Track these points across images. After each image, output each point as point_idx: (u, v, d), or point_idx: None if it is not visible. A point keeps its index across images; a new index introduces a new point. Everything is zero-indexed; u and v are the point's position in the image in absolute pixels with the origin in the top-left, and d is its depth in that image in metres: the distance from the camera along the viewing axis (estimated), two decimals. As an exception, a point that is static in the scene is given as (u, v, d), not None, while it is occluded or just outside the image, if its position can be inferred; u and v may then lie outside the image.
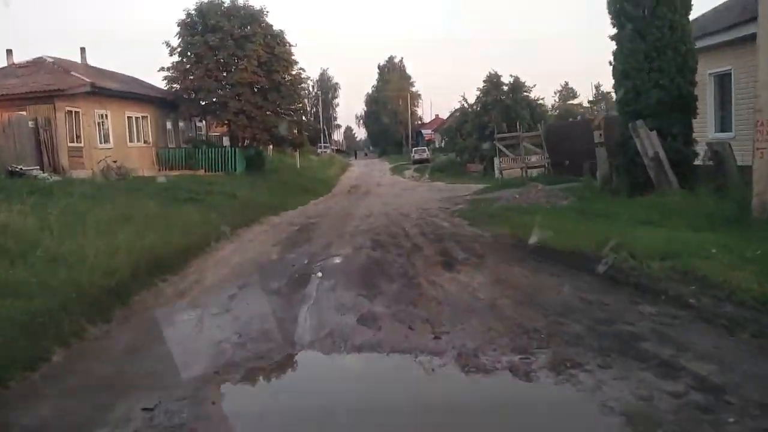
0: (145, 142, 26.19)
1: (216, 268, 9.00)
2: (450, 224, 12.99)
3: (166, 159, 26.85)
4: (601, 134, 16.52)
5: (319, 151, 61.78)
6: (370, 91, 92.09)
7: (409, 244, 10.64)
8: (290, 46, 26.87)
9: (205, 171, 26.78)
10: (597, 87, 70.96)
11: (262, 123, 26.32)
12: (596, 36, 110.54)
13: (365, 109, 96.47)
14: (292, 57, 26.76)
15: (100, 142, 22.77)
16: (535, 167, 23.44)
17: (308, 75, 25.15)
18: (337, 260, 9.41)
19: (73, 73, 22.33)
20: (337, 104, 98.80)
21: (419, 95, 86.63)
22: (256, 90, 26.75)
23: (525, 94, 38.70)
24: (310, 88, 28.65)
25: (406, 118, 79.88)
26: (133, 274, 7.22)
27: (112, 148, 23.25)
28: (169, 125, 28.94)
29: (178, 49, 26.25)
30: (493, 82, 39.13)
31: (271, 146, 37.15)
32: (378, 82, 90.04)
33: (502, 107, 38.08)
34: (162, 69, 26.63)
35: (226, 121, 27.31)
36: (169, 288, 7.65)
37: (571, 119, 44.33)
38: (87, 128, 21.91)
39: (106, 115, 23.14)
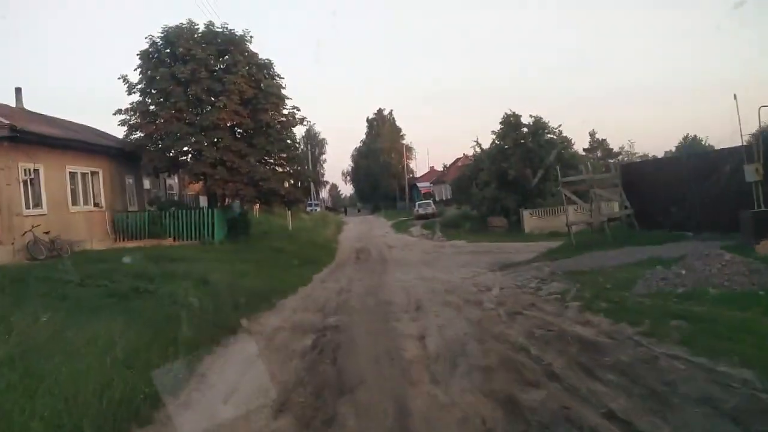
0: (95, 205, 20.26)
1: None
2: (612, 342, 6.81)
3: (124, 227, 20.93)
4: (758, 169, 11.05)
5: (309, 209, 56.22)
6: (358, 145, 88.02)
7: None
8: (280, 79, 21.60)
9: (175, 240, 20.93)
10: (592, 134, 67.22)
11: (247, 175, 20.65)
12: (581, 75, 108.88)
13: (352, 165, 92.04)
14: (283, 91, 21.45)
15: (27, 207, 16.79)
16: (613, 219, 17.83)
17: (303, 115, 18.75)
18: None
19: (-12, 114, 16.65)
20: (325, 161, 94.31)
21: (412, 147, 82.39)
22: (238, 134, 21.27)
23: (549, 135, 33.80)
24: (299, 141, 24.31)
25: (399, 171, 75.18)
26: None
27: (46, 214, 17.28)
28: (130, 183, 23.12)
29: (139, 86, 20.79)
30: (511, 123, 34.28)
31: (257, 205, 31.55)
32: (367, 135, 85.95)
33: (523, 151, 33.09)
34: (119, 111, 21.07)
35: (200, 175, 21.57)
36: None
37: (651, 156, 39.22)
38: (6, 188, 16.01)
39: (37, 170, 17.26)
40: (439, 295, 11.28)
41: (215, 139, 20.63)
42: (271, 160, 21.78)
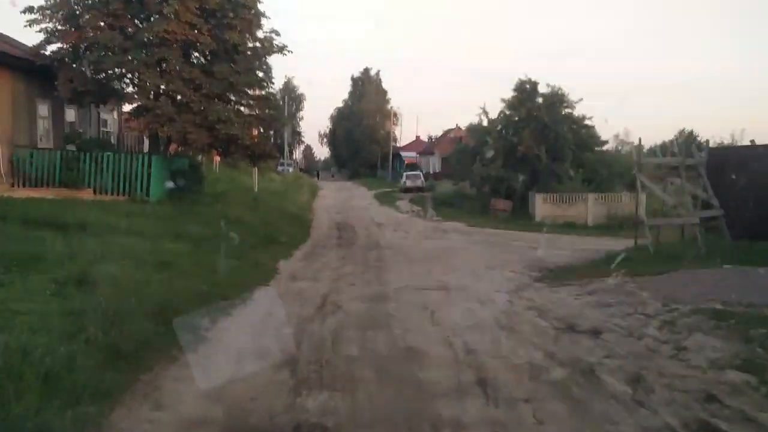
0: (-14, 134, 14.70)
1: None
2: None
3: (27, 168, 15.40)
4: None
5: (280, 168, 50.52)
6: (340, 105, 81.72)
7: None
8: (258, -8, 16.00)
9: (96, 192, 15.57)
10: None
11: (201, 114, 15.26)
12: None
13: (330, 126, 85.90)
14: (260, 6, 15.90)
15: None
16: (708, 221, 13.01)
17: (283, 43, 12.98)
18: None
19: None
20: (302, 118, 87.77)
21: (400, 114, 76.54)
22: (193, 57, 15.80)
23: (568, 110, 29.03)
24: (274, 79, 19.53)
25: (383, 137, 69.64)
26: None
27: None
28: (43, 111, 17.39)
29: (59, -24, 15.03)
30: (525, 90, 29.33)
31: (217, 157, 26.03)
32: (350, 95, 79.72)
33: (537, 125, 28.26)
34: (30, 9, 15.27)
35: (139, 109, 16.06)
36: None
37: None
38: None
39: None
40: (495, 336, 6.43)
41: (160, 60, 15.08)
42: (235, 98, 16.35)
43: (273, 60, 20.69)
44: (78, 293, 5.82)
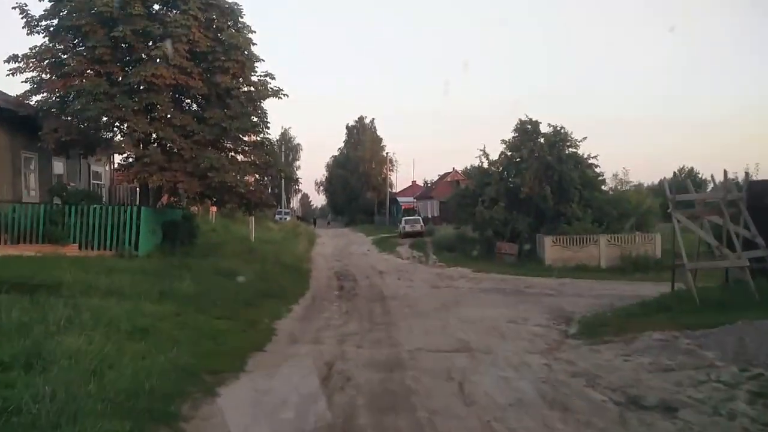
0: (-36, 189, 13.75)
1: None
2: None
3: (9, 223, 14.35)
4: None
5: (277, 217, 49.59)
6: (335, 154, 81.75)
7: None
8: (251, 33, 15.37)
9: (81, 248, 14.54)
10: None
11: (192, 162, 14.33)
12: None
13: (326, 174, 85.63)
14: (254, 49, 15.23)
15: None
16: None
17: (279, 87, 12.12)
18: None
19: None
20: (298, 167, 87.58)
21: (396, 160, 76.33)
22: (184, 103, 15.03)
23: (571, 149, 28.30)
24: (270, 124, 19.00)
25: (379, 183, 69.12)
26: None
27: None
28: (29, 163, 16.51)
29: (45, 23, 14.40)
30: (527, 131, 28.68)
31: (214, 208, 25.11)
32: (345, 143, 79.84)
33: (540, 165, 27.46)
34: (14, 58, 14.57)
35: (125, 158, 15.19)
36: None
37: None
38: None
39: None
40: (546, 419, 5.22)
41: (149, 107, 14.28)
42: (229, 144, 15.47)
43: (269, 106, 20.09)
44: (22, 378, 4.63)
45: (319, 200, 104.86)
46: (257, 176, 16.38)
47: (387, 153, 71.81)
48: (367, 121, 79.64)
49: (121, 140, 15.07)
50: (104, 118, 14.75)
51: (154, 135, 14.92)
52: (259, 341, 8.33)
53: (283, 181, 57.68)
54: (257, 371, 6.71)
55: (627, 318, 10.07)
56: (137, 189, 19.11)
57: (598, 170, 28.46)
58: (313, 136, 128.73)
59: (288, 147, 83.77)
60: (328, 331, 9.57)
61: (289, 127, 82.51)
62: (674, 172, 65.59)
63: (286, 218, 53.31)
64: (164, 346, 6.82)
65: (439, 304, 13.00)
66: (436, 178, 64.16)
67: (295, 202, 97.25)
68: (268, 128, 15.74)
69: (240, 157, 15.73)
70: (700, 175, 61.73)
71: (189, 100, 15.62)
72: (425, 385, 6.32)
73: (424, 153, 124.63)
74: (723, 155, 74.46)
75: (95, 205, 15.20)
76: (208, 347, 7.29)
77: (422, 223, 39.86)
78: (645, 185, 53.46)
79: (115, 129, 15.43)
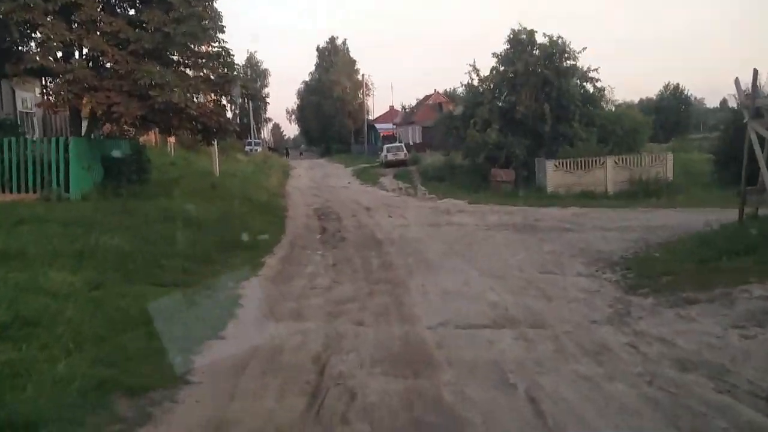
0: None
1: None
2: None
3: None
4: None
5: (247, 149, 46.12)
6: (307, 79, 76.70)
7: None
8: None
9: (2, 190, 11.71)
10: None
11: (129, 78, 11.25)
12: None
13: (298, 102, 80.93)
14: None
15: None
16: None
17: None
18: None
19: None
20: (267, 94, 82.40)
21: (372, 84, 71.87)
22: (113, 2, 11.74)
23: (571, 62, 25.46)
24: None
25: (355, 110, 65.35)
26: None
27: None
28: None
29: None
30: (521, 42, 25.58)
31: (172, 137, 22.01)
32: (317, 67, 74.74)
33: (537, 81, 24.65)
34: None
35: (38, 72, 11.97)
36: None
37: None
38: None
39: None
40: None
41: (68, 6, 10.98)
42: (176, 55, 12.31)
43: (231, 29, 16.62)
44: None
45: (291, 130, 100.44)
46: (214, 96, 13.29)
47: (363, 75, 67.33)
48: (339, 42, 74.43)
49: (35, 52, 11.78)
50: (22, 28, 11.41)
51: (78, 45, 11.73)
52: (214, 321, 5.86)
53: (250, 105, 53.77)
54: (206, 387, 4.25)
55: (698, 264, 7.82)
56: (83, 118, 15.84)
57: (599, 84, 25.85)
58: (283, 67, 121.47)
59: (255, 72, 78.43)
60: (313, 297, 7.13)
61: (256, 51, 76.51)
62: (660, 90, 62.78)
63: (256, 149, 49.78)
64: (59, 348, 4.32)
65: (447, 248, 10.65)
66: (414, 103, 60.73)
67: (266, 133, 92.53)
68: (224, 32, 12.51)
69: (190, 72, 12.60)
70: (686, 92, 59.39)
71: (121, 0, 12.27)
72: (477, 404, 3.97)
73: (401, 79, 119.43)
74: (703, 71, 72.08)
75: (10, 137, 12.14)
76: (134, 344, 4.79)
77: (406, 151, 37.09)
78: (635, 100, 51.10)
79: (27, 39, 12.10)
